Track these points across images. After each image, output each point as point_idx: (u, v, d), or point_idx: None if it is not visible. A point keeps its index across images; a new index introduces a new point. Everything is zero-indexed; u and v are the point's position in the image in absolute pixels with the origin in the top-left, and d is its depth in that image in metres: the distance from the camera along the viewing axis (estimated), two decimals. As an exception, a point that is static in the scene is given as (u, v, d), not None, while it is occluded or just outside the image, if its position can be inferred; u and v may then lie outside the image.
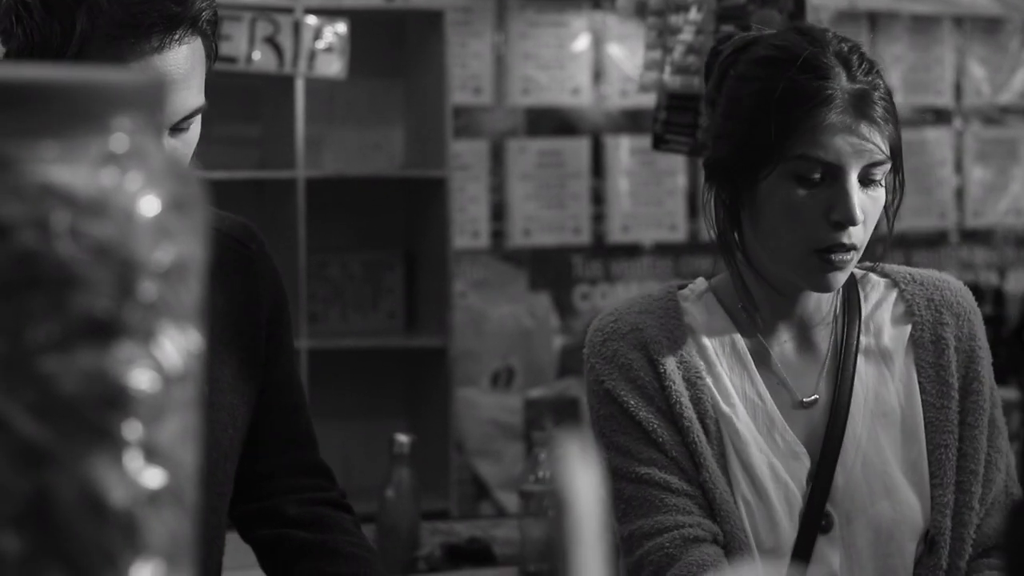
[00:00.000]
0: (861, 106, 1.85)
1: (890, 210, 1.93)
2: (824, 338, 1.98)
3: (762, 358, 1.97)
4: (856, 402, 1.95)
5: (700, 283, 2.02)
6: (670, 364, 1.93)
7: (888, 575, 1.92)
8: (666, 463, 1.91)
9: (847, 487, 1.92)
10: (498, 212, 5.54)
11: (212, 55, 1.79)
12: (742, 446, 1.92)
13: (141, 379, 0.66)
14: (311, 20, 4.77)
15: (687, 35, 3.34)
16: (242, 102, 5.16)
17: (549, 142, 5.58)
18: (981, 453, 1.95)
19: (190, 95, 1.75)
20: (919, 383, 1.97)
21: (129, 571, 0.65)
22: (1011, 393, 4.92)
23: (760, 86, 1.87)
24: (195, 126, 1.78)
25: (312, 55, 4.77)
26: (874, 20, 5.89)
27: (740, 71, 1.91)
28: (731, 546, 1.89)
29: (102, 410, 0.65)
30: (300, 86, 4.85)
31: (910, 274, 2.03)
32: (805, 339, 1.98)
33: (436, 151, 5.12)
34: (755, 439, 1.92)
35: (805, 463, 1.93)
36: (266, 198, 5.09)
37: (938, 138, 6.02)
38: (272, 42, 4.71)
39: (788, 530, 1.90)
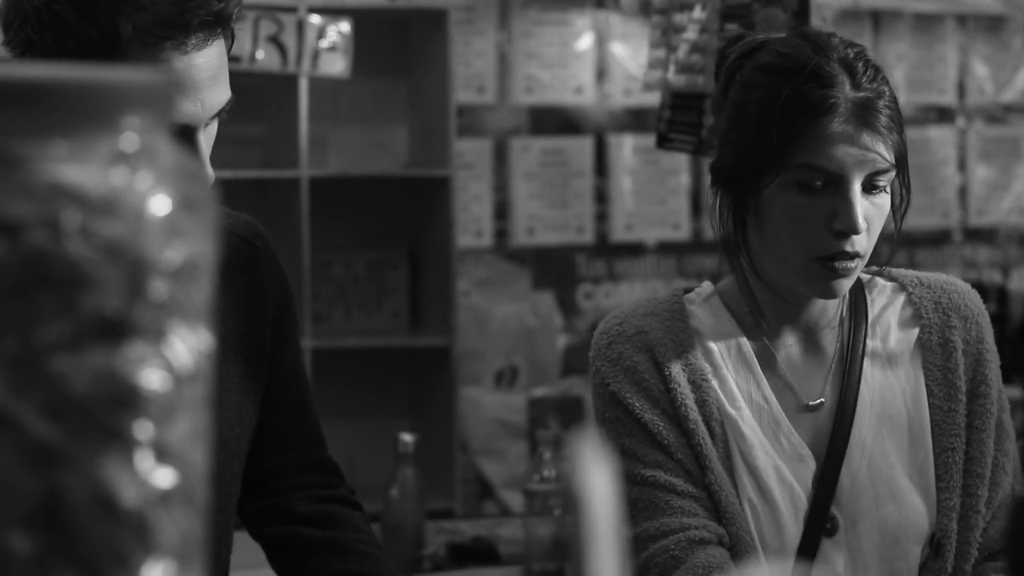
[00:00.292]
0: (865, 115, 1.84)
1: (897, 214, 1.92)
2: (831, 341, 1.98)
3: (768, 361, 1.97)
4: (862, 405, 1.94)
5: (706, 287, 2.02)
6: (675, 367, 1.92)
7: (893, 578, 1.92)
8: (672, 465, 1.90)
9: (852, 490, 1.92)
10: (502, 211, 5.53)
11: (230, 49, 1.80)
12: (747, 449, 1.91)
13: (152, 379, 0.65)
14: (315, 19, 4.77)
15: (691, 34, 3.33)
16: (246, 101, 5.12)
17: (553, 141, 5.58)
18: (988, 457, 1.95)
19: (224, 89, 1.75)
20: (926, 386, 1.97)
21: (140, 571, 0.65)
22: (1015, 392, 4.92)
23: (764, 94, 1.87)
24: (215, 121, 1.78)
25: (316, 54, 4.77)
26: (877, 18, 5.88)
27: (745, 77, 1.91)
28: (736, 548, 1.88)
29: (113, 410, 0.64)
30: (304, 85, 4.85)
31: (917, 277, 2.03)
32: (811, 342, 1.98)
33: (440, 150, 5.12)
34: (760, 442, 1.92)
35: (810, 466, 1.92)
36: (270, 197, 5.08)
37: (941, 137, 6.01)
38: (276, 41, 4.71)
39: (793, 533, 1.90)
